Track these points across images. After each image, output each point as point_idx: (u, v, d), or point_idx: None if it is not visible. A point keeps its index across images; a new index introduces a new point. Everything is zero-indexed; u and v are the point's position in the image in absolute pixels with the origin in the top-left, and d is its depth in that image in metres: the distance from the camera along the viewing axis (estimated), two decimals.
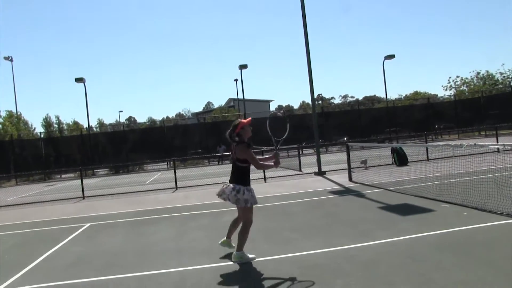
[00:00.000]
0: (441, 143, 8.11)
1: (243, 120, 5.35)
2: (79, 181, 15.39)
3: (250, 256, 5.41)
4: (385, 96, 36.56)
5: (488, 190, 7.85)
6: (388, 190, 10.10)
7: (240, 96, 38.06)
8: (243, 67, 33.62)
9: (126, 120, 79.71)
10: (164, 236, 7.50)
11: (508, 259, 4.64)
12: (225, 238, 5.87)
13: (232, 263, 5.42)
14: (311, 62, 16.40)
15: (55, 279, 5.39)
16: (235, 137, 5.29)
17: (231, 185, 5.29)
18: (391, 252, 5.25)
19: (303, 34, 16.27)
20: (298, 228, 7.01)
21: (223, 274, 5.00)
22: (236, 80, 43.86)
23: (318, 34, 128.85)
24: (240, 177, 5.28)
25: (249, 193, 5.26)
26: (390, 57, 34.48)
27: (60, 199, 14.84)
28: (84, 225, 9.22)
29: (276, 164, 5.51)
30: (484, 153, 13.41)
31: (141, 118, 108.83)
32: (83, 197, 14.73)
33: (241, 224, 5.48)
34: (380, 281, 4.31)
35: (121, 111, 79.18)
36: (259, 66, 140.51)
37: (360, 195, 9.94)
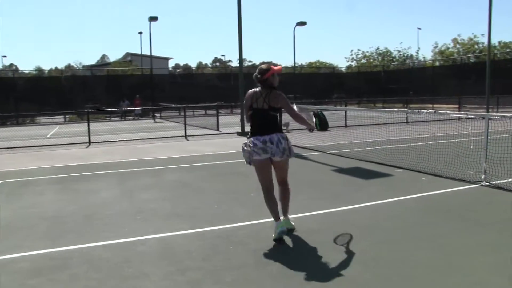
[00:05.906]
0: (396, 110, 8.23)
1: (274, 67, 4.52)
2: None
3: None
4: (293, 64, 36.93)
5: (421, 154, 8.13)
6: (328, 153, 10.05)
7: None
8: (153, 19, 31.15)
9: (7, 67, 70.58)
10: (109, 196, 6.52)
11: (499, 221, 4.71)
12: (280, 218, 4.45)
13: (214, 228, 4.80)
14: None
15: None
16: (263, 82, 4.47)
17: (275, 136, 4.36)
18: (385, 215, 5.09)
19: None
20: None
21: (209, 241, 4.38)
22: (140, 33, 40.82)
23: None
24: (278, 125, 4.53)
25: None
26: (302, 24, 34.64)
27: None
28: None
29: (310, 126, 4.73)
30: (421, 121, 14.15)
31: (27, 67, 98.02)
32: None
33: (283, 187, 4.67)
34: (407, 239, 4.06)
35: (5, 56, 70.06)
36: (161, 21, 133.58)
37: (302, 157, 9.72)
